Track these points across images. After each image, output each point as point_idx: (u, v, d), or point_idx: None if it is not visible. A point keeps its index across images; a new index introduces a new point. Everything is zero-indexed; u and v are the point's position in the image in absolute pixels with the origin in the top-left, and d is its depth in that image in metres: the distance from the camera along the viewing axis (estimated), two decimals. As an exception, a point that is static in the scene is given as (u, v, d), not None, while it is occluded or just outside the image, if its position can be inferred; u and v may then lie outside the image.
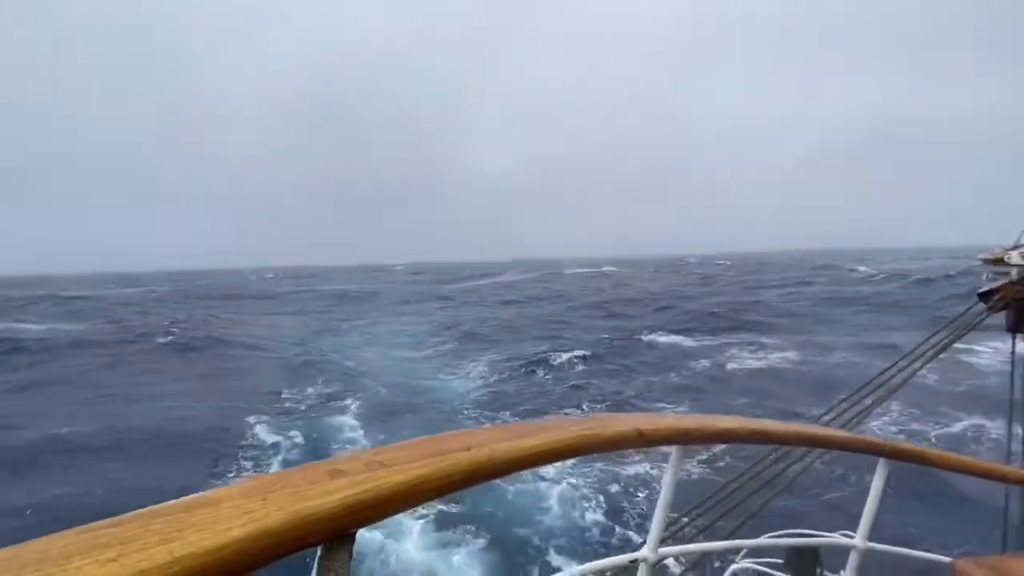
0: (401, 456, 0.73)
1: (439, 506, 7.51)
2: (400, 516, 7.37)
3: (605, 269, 75.91)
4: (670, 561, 2.85)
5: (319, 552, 0.62)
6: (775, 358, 16.50)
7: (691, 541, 2.45)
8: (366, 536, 6.81)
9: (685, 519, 2.65)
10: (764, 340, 18.89)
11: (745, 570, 2.46)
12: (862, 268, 52.57)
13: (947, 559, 1.79)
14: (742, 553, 2.46)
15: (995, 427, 9.99)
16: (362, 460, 0.71)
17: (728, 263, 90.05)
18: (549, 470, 8.93)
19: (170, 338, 22.52)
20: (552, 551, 6.81)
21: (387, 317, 32.07)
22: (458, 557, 6.61)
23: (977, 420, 10.38)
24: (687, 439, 1.28)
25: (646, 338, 20.48)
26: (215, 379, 16.29)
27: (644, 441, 1.13)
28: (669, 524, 1.99)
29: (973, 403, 11.25)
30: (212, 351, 20.45)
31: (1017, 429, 3.62)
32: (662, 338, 20.44)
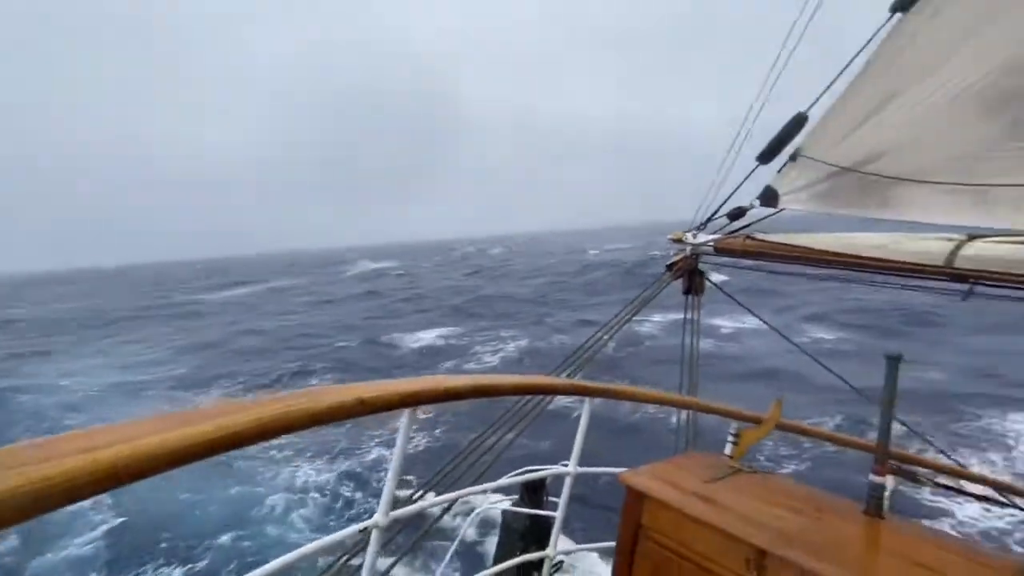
0: None
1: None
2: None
3: (386, 265, 75.31)
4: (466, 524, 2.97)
5: None
6: (511, 348, 18.87)
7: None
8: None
9: (431, 481, 2.72)
10: (504, 333, 21.42)
11: (488, 512, 2.71)
12: (593, 252, 63.47)
13: (618, 471, 2.08)
14: (485, 497, 2.67)
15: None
16: None
17: (503, 249, 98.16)
18: (302, 474, 9.28)
19: None
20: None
21: (110, 344, 26.83)
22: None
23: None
24: (416, 401, 1.26)
25: (407, 339, 21.39)
26: None
27: (368, 408, 1.07)
28: (415, 489, 2.19)
29: (629, 367, 14.50)
30: None
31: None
32: (420, 338, 21.59)
